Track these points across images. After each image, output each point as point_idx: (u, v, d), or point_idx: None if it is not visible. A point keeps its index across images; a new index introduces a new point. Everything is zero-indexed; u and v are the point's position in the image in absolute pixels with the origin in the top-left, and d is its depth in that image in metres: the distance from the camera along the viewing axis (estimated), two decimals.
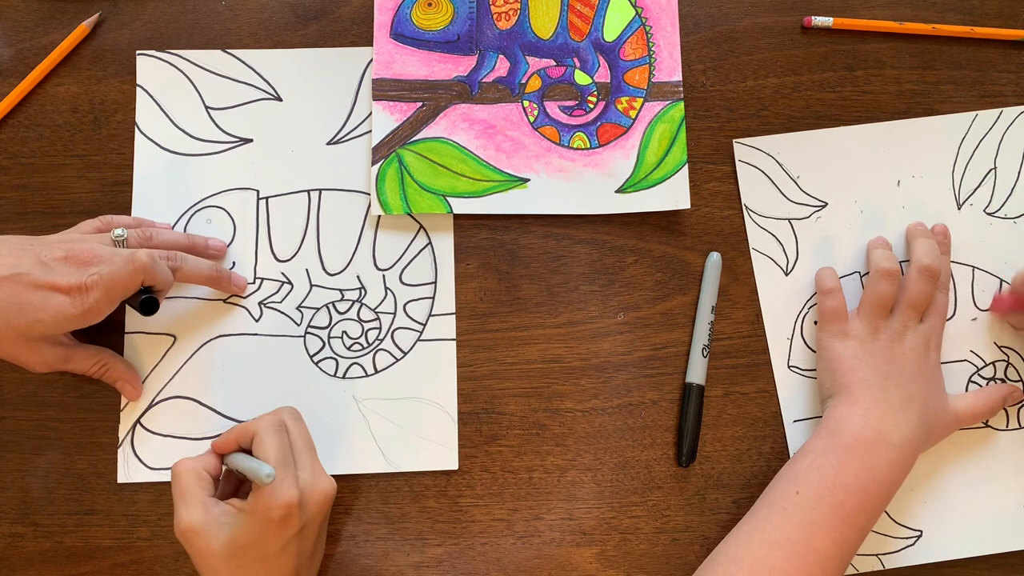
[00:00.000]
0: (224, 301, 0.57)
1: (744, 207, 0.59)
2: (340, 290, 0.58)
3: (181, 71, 0.60)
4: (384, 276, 0.58)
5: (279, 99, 0.60)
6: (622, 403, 0.57)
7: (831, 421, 0.53)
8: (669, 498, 0.56)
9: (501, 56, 0.60)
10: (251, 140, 0.59)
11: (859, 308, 0.56)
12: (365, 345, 0.57)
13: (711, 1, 0.62)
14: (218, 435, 0.54)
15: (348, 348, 0.57)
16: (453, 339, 0.57)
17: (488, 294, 0.58)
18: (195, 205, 0.58)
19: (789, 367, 0.58)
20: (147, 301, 0.50)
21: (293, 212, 0.58)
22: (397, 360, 0.57)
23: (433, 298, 0.58)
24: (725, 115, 0.60)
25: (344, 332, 0.57)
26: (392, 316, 0.57)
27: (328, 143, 0.59)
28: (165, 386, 0.56)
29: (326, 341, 0.57)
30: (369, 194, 0.58)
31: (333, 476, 0.50)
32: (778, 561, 0.48)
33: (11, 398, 0.56)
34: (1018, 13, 0.62)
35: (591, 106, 0.60)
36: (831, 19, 0.61)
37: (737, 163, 0.60)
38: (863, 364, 0.54)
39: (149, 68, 0.60)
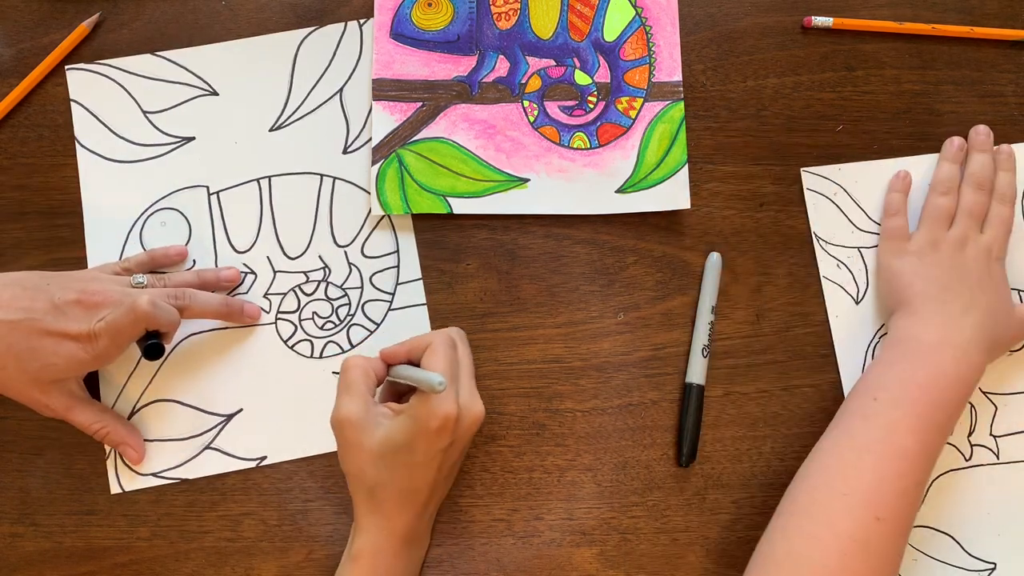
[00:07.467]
0: None
1: (814, 236, 0.59)
2: (304, 272, 0.58)
3: (113, 80, 0.59)
4: (346, 252, 0.58)
5: (215, 94, 0.59)
6: (622, 403, 0.57)
7: (896, 331, 0.55)
8: (669, 498, 0.56)
9: (501, 56, 0.60)
10: (193, 138, 0.59)
11: (919, 222, 0.58)
12: (337, 323, 0.57)
13: (711, 1, 0.62)
14: (205, 432, 0.55)
15: (321, 328, 0.57)
16: (424, 304, 0.58)
17: (488, 294, 0.58)
18: (147, 210, 0.58)
19: None
20: (151, 347, 0.52)
21: (245, 203, 0.59)
22: (371, 332, 0.57)
23: (398, 267, 0.58)
24: (725, 115, 0.60)
25: (315, 313, 0.57)
26: (360, 290, 0.58)
27: (270, 129, 0.59)
28: (144, 391, 0.56)
29: (298, 324, 0.57)
30: (320, 175, 0.58)
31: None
32: (867, 465, 0.49)
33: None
34: (1018, 13, 0.62)
35: (591, 106, 0.60)
36: (831, 19, 0.61)
37: (806, 192, 0.59)
38: (921, 278, 0.56)
39: (81, 81, 0.59)
